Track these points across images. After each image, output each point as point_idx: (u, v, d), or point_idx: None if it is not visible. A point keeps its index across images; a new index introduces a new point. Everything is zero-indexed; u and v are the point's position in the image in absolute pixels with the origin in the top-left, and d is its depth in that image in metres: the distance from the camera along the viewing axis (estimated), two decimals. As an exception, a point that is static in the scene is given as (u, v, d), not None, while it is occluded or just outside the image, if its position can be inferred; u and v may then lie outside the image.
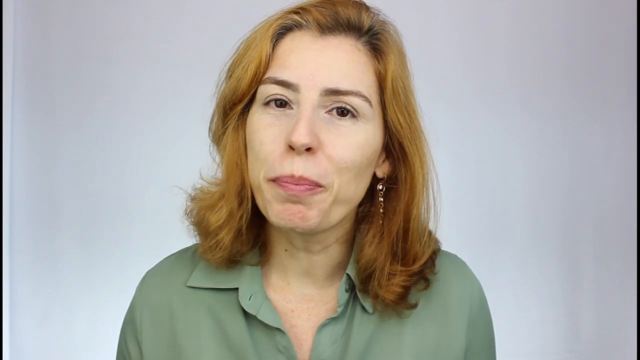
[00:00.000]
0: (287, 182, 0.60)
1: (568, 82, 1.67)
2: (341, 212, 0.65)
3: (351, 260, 0.69)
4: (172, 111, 1.50)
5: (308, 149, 0.60)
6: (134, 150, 1.53)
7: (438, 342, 0.71)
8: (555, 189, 1.68)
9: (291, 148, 0.60)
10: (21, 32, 1.48)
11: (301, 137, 0.59)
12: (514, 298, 1.64)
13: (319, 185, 0.61)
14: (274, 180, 0.61)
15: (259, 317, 0.67)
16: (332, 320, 0.68)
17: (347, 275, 0.68)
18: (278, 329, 0.67)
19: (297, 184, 0.60)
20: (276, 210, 0.62)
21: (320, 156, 0.61)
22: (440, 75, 1.56)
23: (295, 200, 0.61)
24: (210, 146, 0.71)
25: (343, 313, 0.68)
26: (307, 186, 0.60)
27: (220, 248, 0.67)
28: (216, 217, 0.66)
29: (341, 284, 0.68)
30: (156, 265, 0.77)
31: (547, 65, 1.66)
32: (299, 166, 0.60)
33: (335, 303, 0.69)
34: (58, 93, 1.51)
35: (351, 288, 0.69)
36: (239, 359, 0.67)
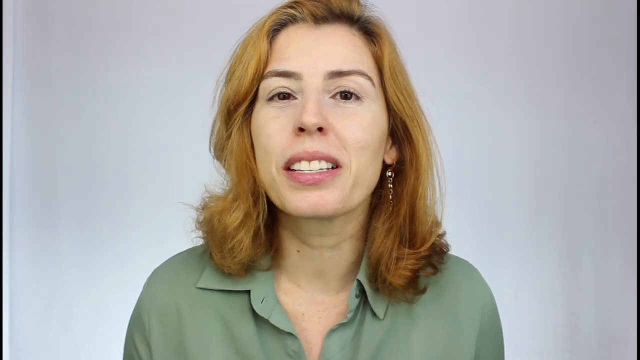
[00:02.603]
0: (301, 165, 0.61)
1: (569, 77, 1.67)
2: (360, 195, 0.65)
3: (362, 263, 0.69)
4: (173, 109, 1.49)
5: (320, 129, 0.60)
6: (134, 148, 1.52)
7: (447, 349, 0.70)
8: (555, 188, 1.68)
9: (301, 130, 0.60)
10: (21, 29, 1.47)
11: (311, 117, 0.59)
12: (514, 298, 1.64)
13: (337, 165, 0.61)
14: (287, 169, 0.61)
15: (271, 320, 0.66)
16: (342, 325, 0.68)
17: (358, 280, 0.68)
18: (289, 333, 0.66)
19: (312, 160, 0.60)
20: (294, 200, 0.62)
21: (332, 137, 0.61)
22: (439, 70, 1.56)
23: (312, 188, 0.61)
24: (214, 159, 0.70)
25: (353, 318, 0.68)
26: (325, 171, 0.61)
27: (240, 250, 0.66)
28: (233, 218, 0.65)
29: (352, 290, 0.68)
30: (164, 263, 0.76)
31: (547, 60, 1.66)
32: (312, 144, 0.60)
33: (346, 307, 0.69)
34: (58, 91, 1.50)
35: (362, 293, 0.69)
36: None
